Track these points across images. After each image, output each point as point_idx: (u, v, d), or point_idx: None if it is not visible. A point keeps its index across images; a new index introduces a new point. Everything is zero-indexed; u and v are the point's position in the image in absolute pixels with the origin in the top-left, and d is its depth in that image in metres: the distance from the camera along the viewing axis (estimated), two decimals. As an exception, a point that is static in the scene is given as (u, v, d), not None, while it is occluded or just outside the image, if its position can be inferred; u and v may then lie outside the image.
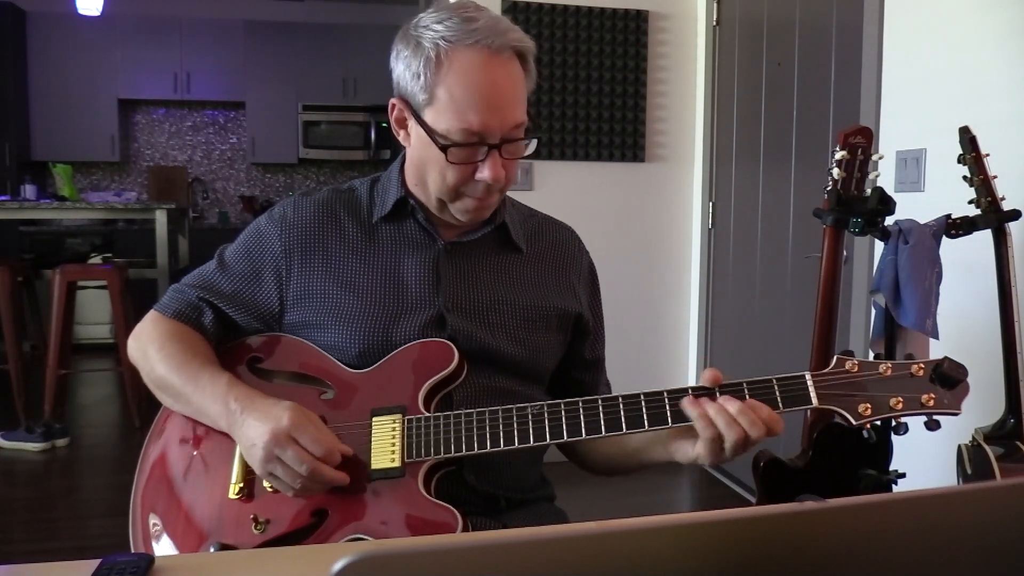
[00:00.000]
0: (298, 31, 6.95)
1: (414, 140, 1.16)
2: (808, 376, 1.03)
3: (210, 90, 6.95)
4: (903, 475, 1.73)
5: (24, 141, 6.54)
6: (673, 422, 1.04)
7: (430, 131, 1.11)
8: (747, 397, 1.03)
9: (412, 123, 1.15)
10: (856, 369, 1.02)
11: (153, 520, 1.16)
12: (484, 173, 1.11)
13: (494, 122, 1.09)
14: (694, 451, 1.06)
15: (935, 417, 1.02)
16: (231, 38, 6.88)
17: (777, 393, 1.03)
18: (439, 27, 1.09)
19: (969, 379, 1.03)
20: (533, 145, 1.16)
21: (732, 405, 1.01)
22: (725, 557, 0.46)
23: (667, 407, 1.04)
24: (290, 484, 1.06)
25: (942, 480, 2.10)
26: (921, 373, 1.01)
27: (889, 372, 1.02)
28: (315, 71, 6.96)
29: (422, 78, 1.09)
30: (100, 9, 5.94)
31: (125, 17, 6.64)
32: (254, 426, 1.06)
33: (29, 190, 5.50)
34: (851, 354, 1.04)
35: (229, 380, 1.13)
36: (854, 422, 1.02)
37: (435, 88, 1.09)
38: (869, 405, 1.01)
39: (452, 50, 1.08)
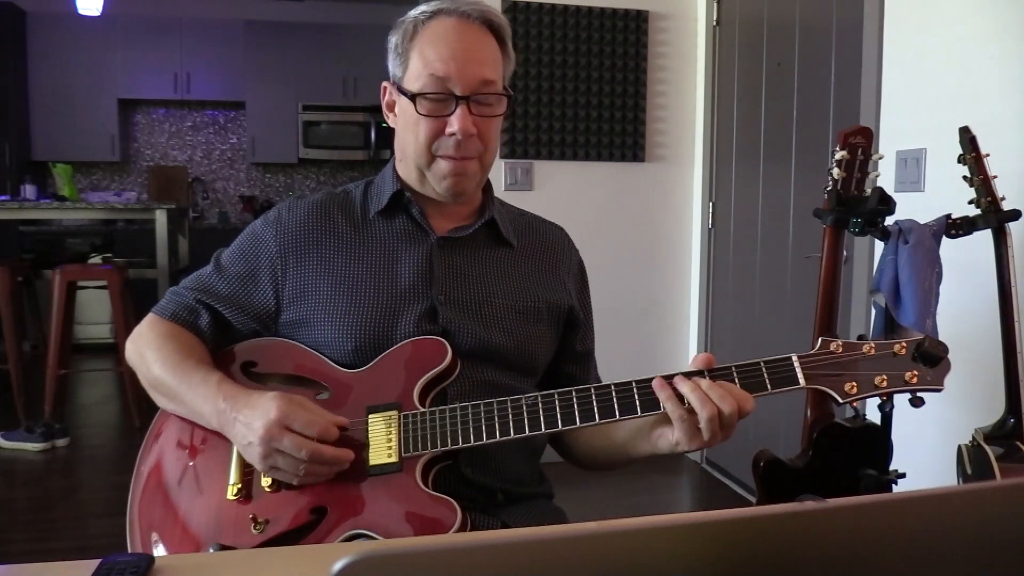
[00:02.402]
0: (298, 31, 6.94)
1: (397, 115, 1.22)
2: (795, 357, 1.05)
3: (210, 90, 6.95)
4: (903, 475, 1.73)
5: (24, 141, 6.54)
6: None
7: (405, 92, 1.18)
8: (736, 381, 1.04)
9: (396, 98, 1.22)
10: (841, 350, 1.05)
11: (151, 524, 1.16)
12: (453, 126, 1.15)
13: (455, 70, 1.14)
14: (673, 437, 1.06)
15: (919, 394, 1.05)
16: (231, 38, 6.88)
17: (765, 375, 1.05)
18: (422, 7, 1.19)
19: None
20: (505, 104, 1.20)
21: (703, 382, 1.03)
22: (725, 557, 0.46)
23: None
24: (294, 472, 1.06)
25: (942, 480, 2.10)
26: (903, 352, 1.04)
27: (873, 352, 1.04)
28: (315, 71, 6.96)
29: (400, 49, 1.19)
30: (100, 9, 5.93)
31: (125, 17, 6.64)
32: (246, 423, 1.06)
33: (29, 190, 5.50)
34: (835, 336, 1.07)
35: (219, 380, 1.13)
36: (841, 400, 1.04)
37: (409, 55, 1.18)
38: (855, 383, 1.03)
39: (426, 20, 1.18)
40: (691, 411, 1.02)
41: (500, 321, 1.22)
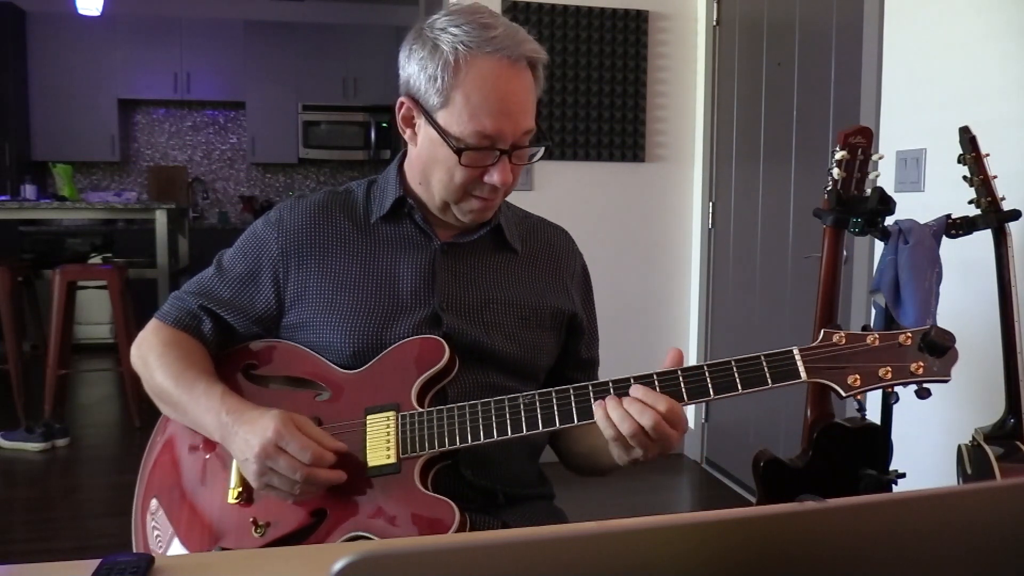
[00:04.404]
0: (298, 31, 6.94)
1: (422, 139, 1.17)
2: (796, 351, 1.02)
3: (210, 90, 6.94)
4: (903, 475, 1.73)
5: (24, 141, 6.54)
6: None
7: (443, 133, 1.11)
8: (735, 375, 1.02)
9: (422, 123, 1.16)
10: (844, 341, 1.02)
11: (154, 526, 1.16)
12: (494, 177, 1.12)
13: (507, 128, 1.11)
14: (615, 451, 1.06)
15: (925, 385, 1.01)
16: (231, 38, 6.87)
17: (765, 369, 1.02)
18: (457, 31, 1.09)
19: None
20: (541, 152, 1.18)
21: (625, 399, 1.02)
22: (725, 557, 0.46)
23: (657, 389, 1.03)
24: (288, 492, 1.06)
25: (942, 480, 2.10)
26: (909, 342, 1.00)
27: (877, 343, 1.01)
28: (315, 71, 6.96)
29: (438, 81, 1.10)
30: (100, 9, 5.93)
31: (125, 17, 6.64)
32: (245, 439, 1.07)
33: (29, 190, 5.49)
34: (838, 327, 1.03)
35: (223, 392, 1.13)
36: (844, 394, 1.01)
37: (452, 91, 1.10)
38: (858, 376, 1.00)
39: (471, 56, 1.09)
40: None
41: (503, 327, 1.21)
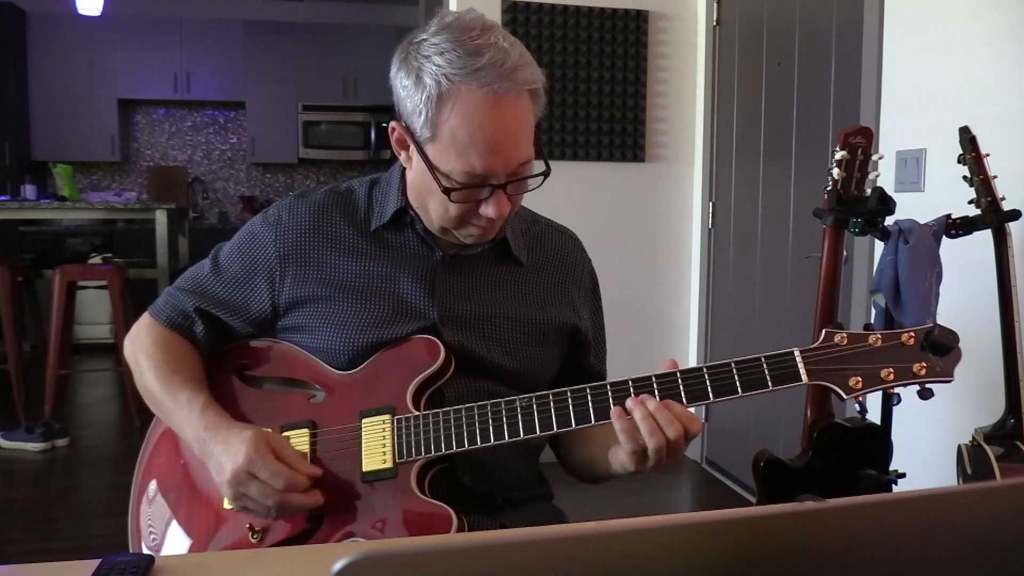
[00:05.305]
0: (298, 31, 6.94)
1: (415, 166, 1.12)
2: (797, 352, 1.01)
3: (210, 90, 6.95)
4: (903, 475, 1.73)
5: (24, 141, 6.54)
6: None
7: (433, 168, 1.07)
8: (735, 378, 1.01)
9: (414, 150, 1.10)
10: (845, 342, 1.00)
11: (151, 533, 1.16)
12: (488, 211, 1.08)
13: (498, 166, 1.05)
14: (621, 459, 1.05)
15: (928, 385, 1.00)
16: (231, 38, 6.88)
17: (766, 371, 1.01)
18: (440, 61, 1.02)
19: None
20: (540, 180, 1.12)
21: (651, 404, 1.01)
22: (725, 557, 0.46)
23: (655, 391, 1.02)
24: (263, 515, 1.06)
25: (942, 480, 2.10)
26: (912, 342, 0.99)
27: (879, 343, 0.99)
28: (315, 71, 6.96)
29: (423, 115, 1.04)
30: (100, 9, 5.94)
31: (125, 17, 6.64)
32: (219, 462, 1.06)
33: (29, 190, 5.49)
34: (840, 327, 1.02)
35: (204, 405, 1.12)
36: (845, 396, 0.99)
37: (437, 128, 1.04)
38: (860, 378, 0.99)
39: (455, 90, 1.02)
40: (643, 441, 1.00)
41: (504, 342, 1.19)
